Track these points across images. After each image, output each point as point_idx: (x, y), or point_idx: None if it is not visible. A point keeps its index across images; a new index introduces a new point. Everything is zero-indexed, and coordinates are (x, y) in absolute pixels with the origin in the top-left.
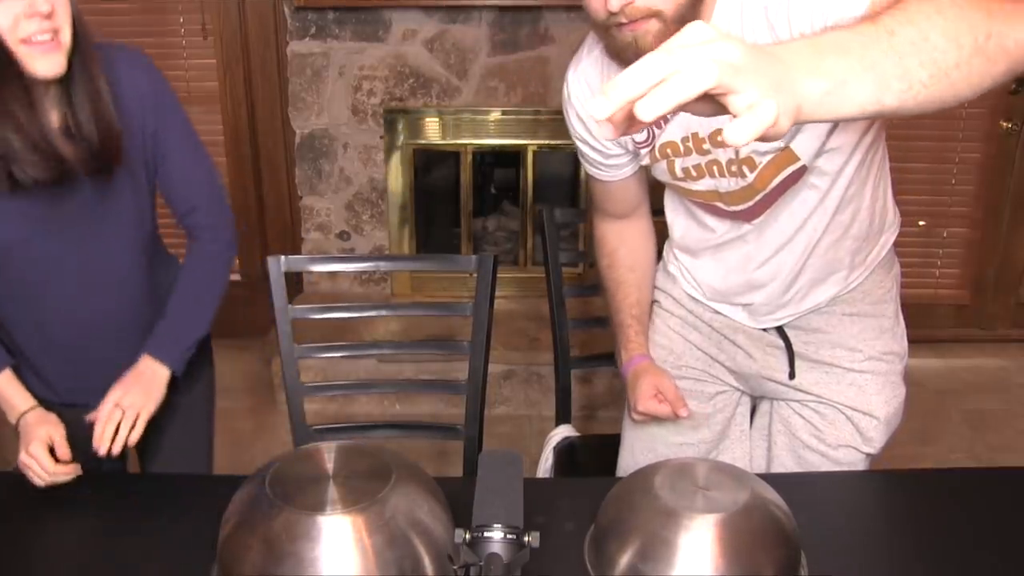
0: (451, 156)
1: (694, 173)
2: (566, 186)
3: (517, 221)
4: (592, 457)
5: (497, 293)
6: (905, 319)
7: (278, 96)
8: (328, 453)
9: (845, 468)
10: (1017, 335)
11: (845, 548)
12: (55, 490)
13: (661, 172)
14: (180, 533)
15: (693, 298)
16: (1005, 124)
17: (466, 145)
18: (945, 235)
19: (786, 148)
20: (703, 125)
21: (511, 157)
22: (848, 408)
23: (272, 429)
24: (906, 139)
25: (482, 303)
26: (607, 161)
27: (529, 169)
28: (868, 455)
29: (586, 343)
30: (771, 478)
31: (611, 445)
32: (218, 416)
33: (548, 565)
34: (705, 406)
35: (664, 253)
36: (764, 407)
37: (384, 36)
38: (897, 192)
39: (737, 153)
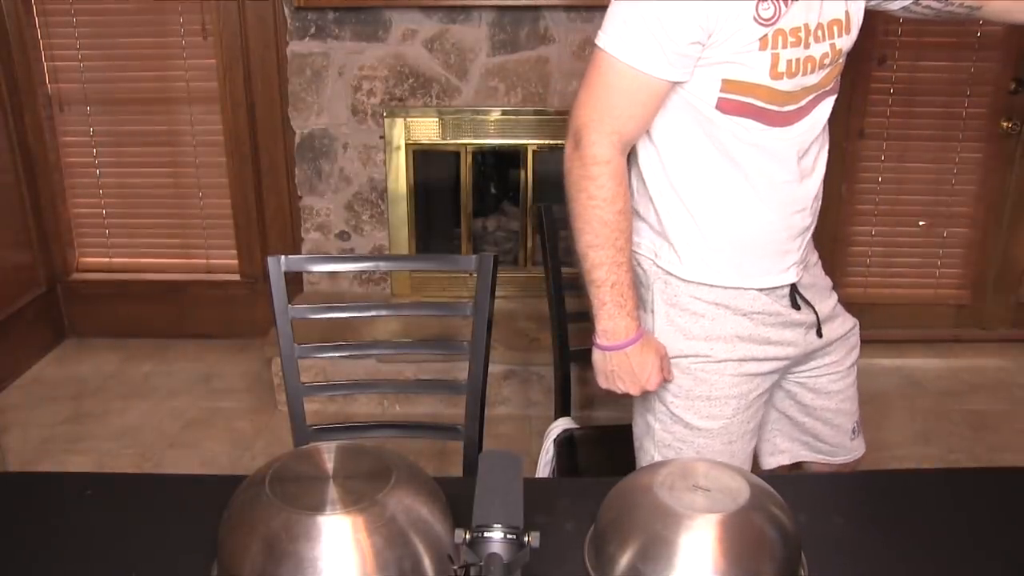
0: (451, 156)
1: (794, 68)
2: None
3: (517, 221)
4: (592, 449)
5: (497, 293)
6: (905, 319)
7: (278, 96)
8: (328, 453)
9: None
10: (1017, 335)
11: (845, 548)
12: (56, 491)
13: (754, 68)
14: (180, 533)
15: (744, 315)
16: (1005, 124)
17: (466, 145)
18: (945, 235)
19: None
20: (813, 15)
21: (511, 157)
22: (849, 333)
23: (272, 429)
24: (906, 139)
25: (482, 303)
26: (686, 49)
27: (529, 169)
28: (854, 367)
29: (586, 338)
30: (771, 478)
31: (611, 437)
32: (218, 416)
33: (548, 565)
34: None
35: (677, 296)
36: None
37: (384, 36)
38: (897, 192)
39: (834, 47)
